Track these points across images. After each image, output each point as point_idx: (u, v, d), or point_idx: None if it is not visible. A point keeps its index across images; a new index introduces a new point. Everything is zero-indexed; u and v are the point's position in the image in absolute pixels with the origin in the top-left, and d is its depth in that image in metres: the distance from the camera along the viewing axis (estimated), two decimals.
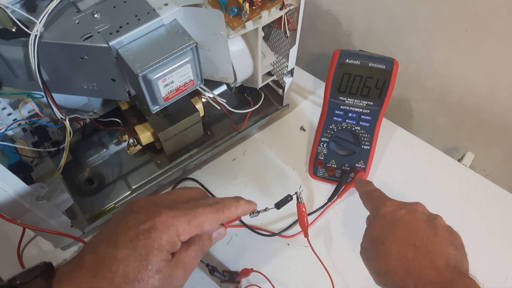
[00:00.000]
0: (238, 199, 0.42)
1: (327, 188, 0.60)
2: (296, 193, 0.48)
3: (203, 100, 0.57)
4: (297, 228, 0.56)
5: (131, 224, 0.34)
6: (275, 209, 0.47)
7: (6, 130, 0.47)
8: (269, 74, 0.60)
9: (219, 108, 0.57)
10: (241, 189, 0.60)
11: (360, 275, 0.53)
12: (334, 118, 0.57)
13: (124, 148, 0.61)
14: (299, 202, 0.48)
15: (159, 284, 0.33)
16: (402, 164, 0.62)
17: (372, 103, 0.55)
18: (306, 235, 0.50)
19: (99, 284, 0.31)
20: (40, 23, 0.38)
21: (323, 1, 0.74)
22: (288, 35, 0.51)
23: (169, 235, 0.34)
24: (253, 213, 0.44)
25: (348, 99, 0.56)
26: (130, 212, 0.36)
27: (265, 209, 0.45)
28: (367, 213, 0.56)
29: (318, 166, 0.59)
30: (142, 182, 0.59)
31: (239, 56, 0.50)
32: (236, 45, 0.50)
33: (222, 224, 0.41)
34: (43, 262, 0.34)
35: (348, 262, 0.54)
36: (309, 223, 0.53)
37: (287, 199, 0.47)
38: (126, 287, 0.32)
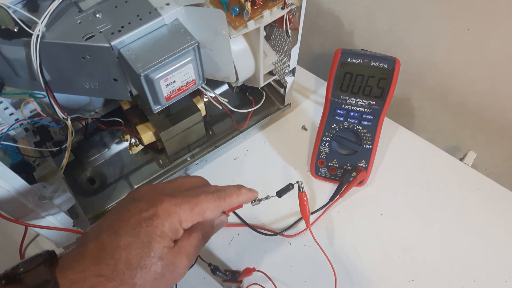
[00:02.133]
0: (239, 187, 0.41)
1: (329, 187, 0.60)
2: (297, 182, 0.48)
3: (205, 99, 0.57)
4: (299, 227, 0.56)
5: (134, 212, 0.34)
6: (276, 197, 0.47)
7: (8, 130, 0.47)
8: (271, 73, 0.60)
9: (220, 107, 0.57)
10: None
11: (362, 274, 0.53)
12: (336, 117, 0.57)
13: (125, 147, 0.61)
14: (300, 191, 0.49)
15: (162, 271, 0.34)
16: (404, 163, 0.62)
17: (374, 102, 0.55)
18: (308, 224, 0.50)
19: (102, 271, 0.32)
20: (42, 23, 0.38)
21: (324, 0, 0.74)
22: (290, 35, 0.51)
23: (171, 222, 0.34)
24: (254, 201, 0.44)
25: (350, 98, 0.56)
26: (132, 200, 0.36)
27: (267, 197, 0.45)
28: (369, 213, 0.56)
29: (320, 166, 0.59)
30: (144, 182, 0.59)
31: (240, 56, 0.50)
32: (238, 45, 0.50)
33: (224, 212, 0.41)
34: (46, 250, 0.34)
35: (350, 261, 0.54)
36: (310, 213, 0.52)
37: (288, 188, 0.47)
38: (129, 274, 0.32)
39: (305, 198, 0.49)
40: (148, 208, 0.34)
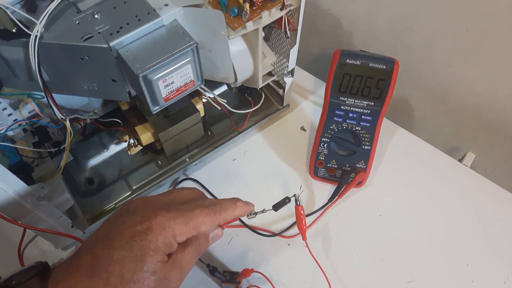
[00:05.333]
0: (235, 200, 0.41)
1: (328, 188, 0.60)
2: (294, 195, 0.48)
3: (204, 100, 0.57)
4: (297, 228, 0.56)
5: (128, 225, 0.34)
6: (272, 210, 0.47)
7: (6, 130, 0.47)
8: (270, 74, 0.60)
9: (219, 108, 0.57)
10: (242, 190, 0.60)
11: (361, 275, 0.53)
12: (335, 118, 0.57)
13: (124, 148, 0.61)
14: (297, 205, 0.48)
15: (155, 285, 0.33)
16: (402, 164, 0.62)
17: (372, 103, 0.55)
18: (304, 238, 0.50)
19: (95, 285, 0.32)
20: (40, 23, 0.38)
21: (324, 1, 0.74)
22: (289, 36, 0.51)
23: (165, 236, 0.34)
24: (250, 214, 0.44)
25: (349, 99, 0.56)
26: (127, 212, 0.36)
27: (263, 211, 0.45)
28: (367, 214, 0.56)
29: (318, 166, 0.59)
30: (142, 183, 0.59)
31: (239, 57, 0.50)
32: (237, 46, 0.50)
33: (220, 225, 0.41)
34: (38, 262, 0.34)
35: (348, 262, 0.54)
36: (307, 225, 0.53)
37: (284, 201, 0.47)
38: None
39: (302, 212, 0.49)
40: (142, 221, 0.34)
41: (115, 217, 0.36)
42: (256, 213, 0.44)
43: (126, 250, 0.33)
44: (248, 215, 0.44)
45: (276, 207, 0.47)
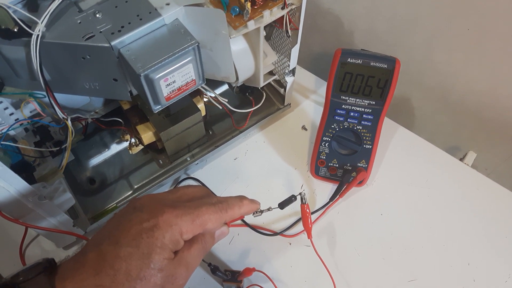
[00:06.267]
0: (241, 198, 0.41)
1: (329, 187, 0.60)
2: (300, 193, 0.48)
3: (205, 99, 0.57)
4: (298, 227, 0.56)
5: (134, 222, 0.34)
6: (278, 208, 0.47)
7: (8, 130, 0.47)
8: (271, 73, 0.60)
9: (220, 107, 0.57)
10: (243, 189, 0.60)
11: (362, 274, 0.53)
12: (336, 117, 0.57)
13: (125, 147, 0.61)
14: (303, 203, 0.49)
15: (161, 283, 0.33)
16: (403, 163, 0.62)
17: (374, 103, 0.55)
18: (310, 236, 0.50)
19: (101, 281, 0.32)
20: (42, 23, 0.38)
21: (324, 0, 0.74)
22: (290, 35, 0.51)
23: (172, 234, 0.34)
24: (256, 212, 0.44)
25: (350, 98, 0.56)
26: (133, 209, 0.36)
27: (269, 209, 0.45)
28: (369, 213, 0.56)
29: (320, 166, 0.59)
30: (143, 182, 0.59)
31: (240, 56, 0.50)
32: (238, 45, 0.50)
33: (225, 223, 0.41)
34: (45, 258, 0.34)
35: (350, 261, 0.54)
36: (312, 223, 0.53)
37: (291, 199, 0.47)
38: (128, 285, 0.32)
39: (307, 210, 0.49)
40: (149, 219, 0.34)
41: (121, 215, 0.36)
42: (262, 211, 0.45)
43: (132, 247, 0.33)
44: (254, 213, 0.44)
45: (282, 205, 0.47)
